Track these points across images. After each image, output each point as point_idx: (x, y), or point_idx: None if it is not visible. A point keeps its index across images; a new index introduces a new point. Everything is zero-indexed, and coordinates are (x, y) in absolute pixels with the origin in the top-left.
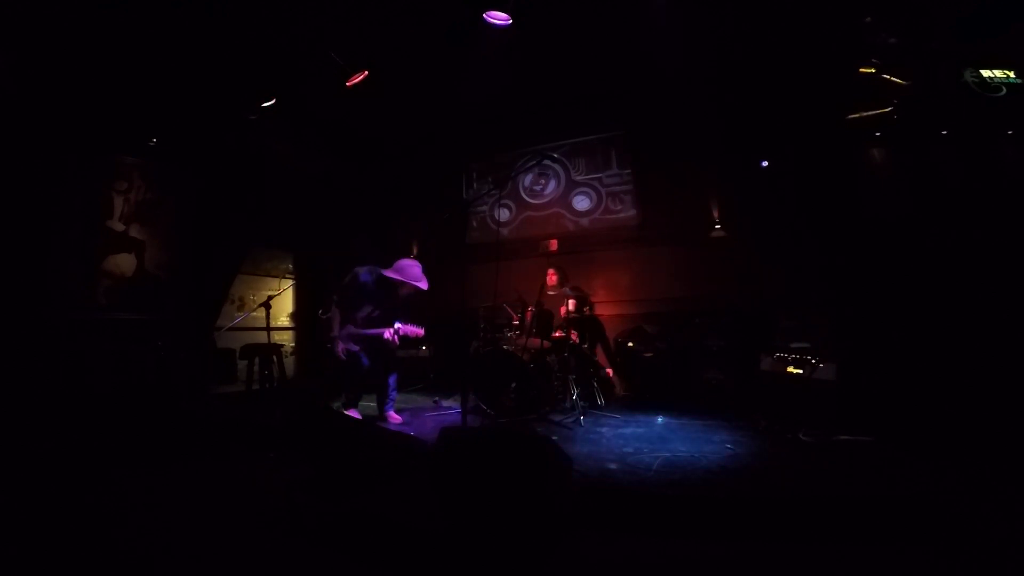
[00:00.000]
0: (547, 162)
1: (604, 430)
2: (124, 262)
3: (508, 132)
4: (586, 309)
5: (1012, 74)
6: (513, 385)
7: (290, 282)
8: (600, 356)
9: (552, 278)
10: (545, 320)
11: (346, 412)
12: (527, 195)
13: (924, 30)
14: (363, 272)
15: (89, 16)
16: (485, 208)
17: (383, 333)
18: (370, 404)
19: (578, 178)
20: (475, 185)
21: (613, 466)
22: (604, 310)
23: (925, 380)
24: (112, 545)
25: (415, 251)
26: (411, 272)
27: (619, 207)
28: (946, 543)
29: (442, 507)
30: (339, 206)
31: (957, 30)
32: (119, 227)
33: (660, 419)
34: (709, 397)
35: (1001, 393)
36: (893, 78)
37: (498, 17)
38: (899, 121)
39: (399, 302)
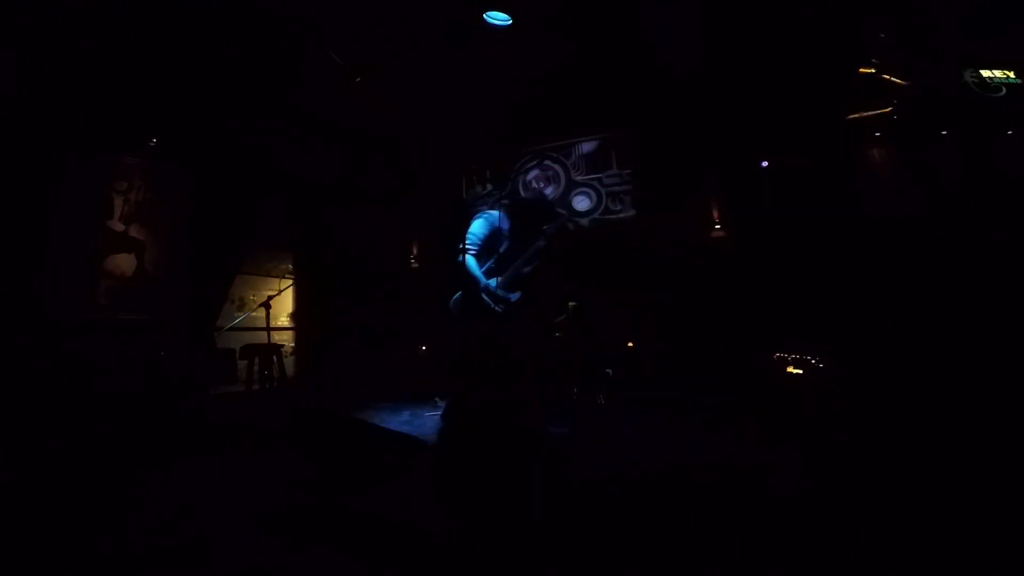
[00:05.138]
0: (547, 162)
1: (604, 430)
2: (124, 262)
3: (508, 132)
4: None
5: (1012, 74)
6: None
7: (290, 282)
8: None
9: None
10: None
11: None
12: (527, 195)
13: (924, 30)
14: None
15: (89, 16)
16: (485, 208)
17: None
18: (370, 404)
19: (578, 178)
20: (475, 185)
21: (613, 466)
22: (604, 310)
23: (925, 380)
24: (113, 544)
25: (415, 251)
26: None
27: (619, 207)
28: (945, 543)
29: (442, 507)
30: (339, 206)
31: (957, 30)
32: (119, 227)
33: (660, 419)
34: (709, 397)
35: (1001, 393)
36: (893, 78)
37: (498, 17)
38: (899, 121)
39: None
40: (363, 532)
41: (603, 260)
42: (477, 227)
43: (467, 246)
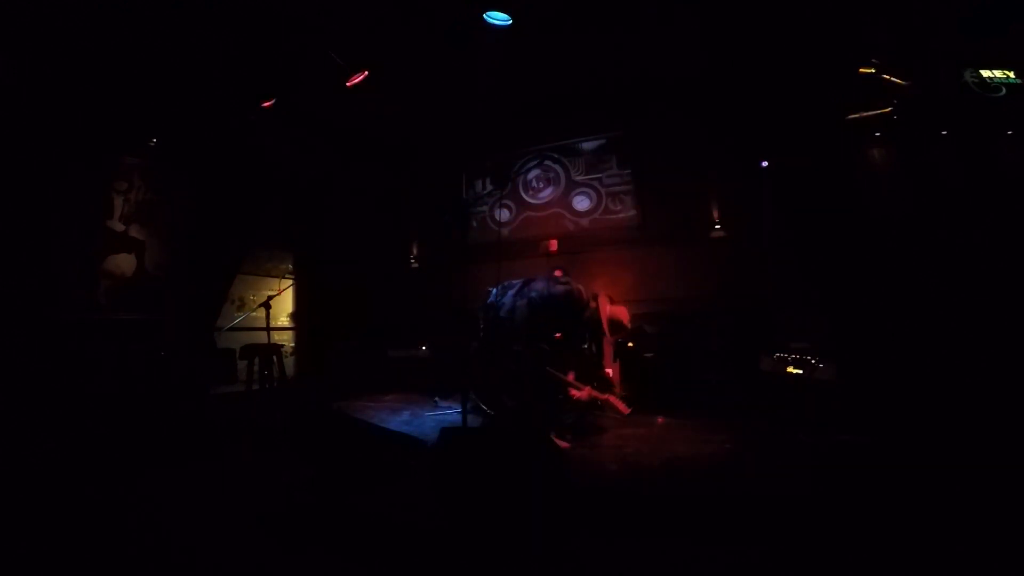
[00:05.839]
0: (548, 162)
1: (604, 430)
2: (124, 262)
3: (508, 132)
4: (592, 303)
5: (1012, 74)
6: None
7: (290, 282)
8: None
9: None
10: None
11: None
12: (527, 195)
13: (924, 30)
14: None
15: (89, 16)
16: (485, 208)
17: None
18: (370, 404)
19: (578, 178)
20: (475, 185)
21: (613, 466)
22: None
23: (925, 380)
24: (113, 544)
25: (415, 251)
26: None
27: (619, 207)
28: (945, 544)
29: (442, 507)
30: (339, 206)
31: (957, 30)
32: (119, 227)
33: (660, 419)
34: (709, 397)
35: (1001, 392)
36: (893, 78)
37: (498, 17)
38: (899, 121)
39: None
40: (363, 532)
41: (603, 260)
42: (557, 300)
43: (532, 297)
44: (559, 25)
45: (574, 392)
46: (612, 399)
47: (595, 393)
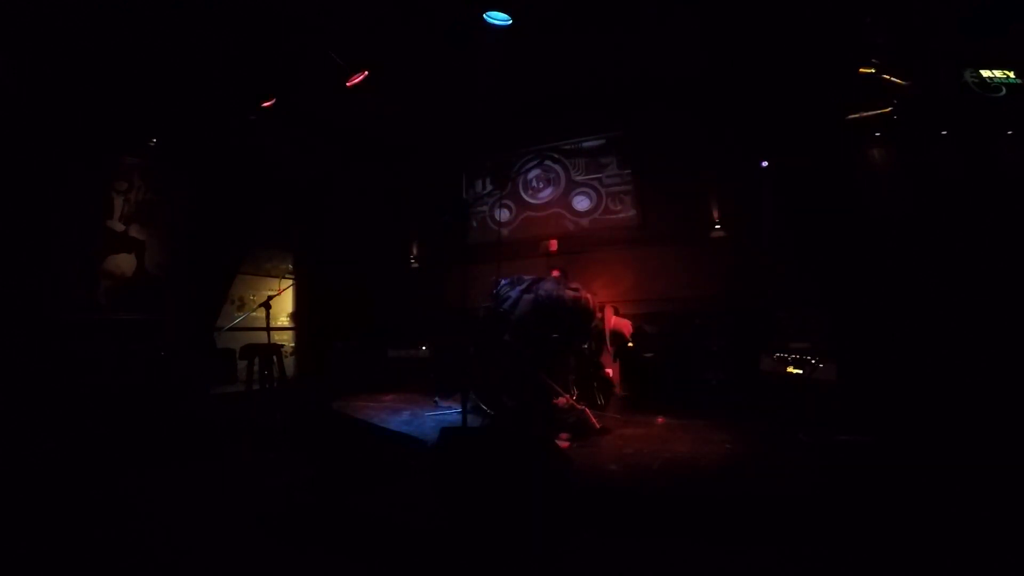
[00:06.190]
0: (548, 162)
1: (604, 430)
2: (124, 262)
3: (509, 132)
4: (599, 314)
5: (1012, 74)
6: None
7: (290, 282)
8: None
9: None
10: None
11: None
12: (527, 195)
13: (924, 30)
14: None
15: (89, 16)
16: (485, 208)
17: None
18: (370, 404)
19: (578, 178)
20: (475, 185)
21: (613, 466)
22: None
23: (925, 380)
24: (113, 544)
25: (415, 251)
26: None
27: (619, 207)
28: (944, 544)
29: (442, 507)
30: (339, 206)
31: (957, 30)
32: (119, 227)
33: (660, 419)
34: (709, 397)
35: (1001, 392)
36: (893, 78)
37: (498, 17)
38: (899, 121)
39: None
40: (363, 532)
41: (603, 260)
42: (565, 305)
43: (540, 295)
44: (559, 25)
45: (556, 400)
46: (587, 411)
47: (573, 403)
